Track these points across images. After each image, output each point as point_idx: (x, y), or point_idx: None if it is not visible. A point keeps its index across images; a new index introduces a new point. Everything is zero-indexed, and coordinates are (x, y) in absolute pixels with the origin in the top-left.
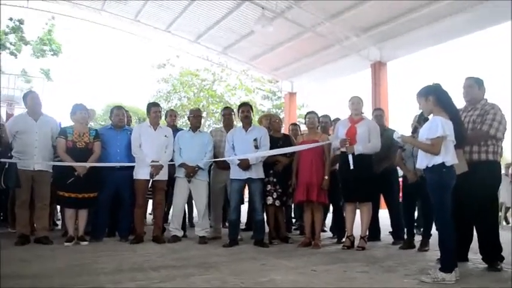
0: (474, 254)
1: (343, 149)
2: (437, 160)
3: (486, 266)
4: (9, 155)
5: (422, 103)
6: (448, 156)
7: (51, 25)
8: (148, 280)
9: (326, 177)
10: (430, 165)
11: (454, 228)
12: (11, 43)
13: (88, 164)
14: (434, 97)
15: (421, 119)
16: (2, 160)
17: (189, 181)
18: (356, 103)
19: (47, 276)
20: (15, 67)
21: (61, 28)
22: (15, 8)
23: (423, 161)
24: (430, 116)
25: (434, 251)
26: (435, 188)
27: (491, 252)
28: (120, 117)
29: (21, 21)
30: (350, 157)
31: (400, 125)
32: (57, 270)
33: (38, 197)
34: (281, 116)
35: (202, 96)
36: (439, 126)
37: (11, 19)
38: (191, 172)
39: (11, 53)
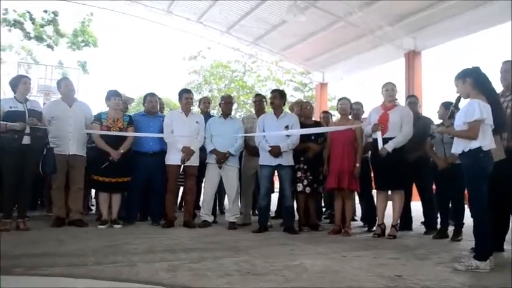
0: (510, 244)
1: (375, 136)
2: (474, 145)
3: None
4: (46, 141)
5: (460, 86)
6: (486, 141)
7: (88, 20)
8: (179, 261)
9: (358, 165)
10: (466, 150)
11: (490, 216)
12: (48, 36)
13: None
14: (472, 79)
15: (458, 103)
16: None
17: (220, 167)
18: (390, 89)
19: (81, 255)
20: (52, 58)
21: (97, 21)
22: (51, 1)
23: (459, 145)
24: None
25: (468, 241)
26: (471, 173)
27: None
28: (153, 104)
29: (55, 13)
30: (379, 138)
31: (435, 114)
32: (92, 249)
33: (73, 181)
34: None
35: (233, 88)
36: (476, 109)
37: (45, 11)
38: (222, 159)
39: (48, 46)
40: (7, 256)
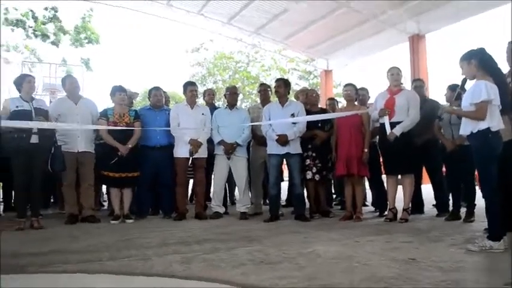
0: None
1: (382, 120)
2: (482, 125)
3: None
4: (53, 139)
5: (465, 67)
6: (494, 121)
7: (88, 16)
8: (193, 253)
9: (366, 150)
10: (474, 131)
11: (501, 196)
12: (45, 34)
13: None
14: (478, 60)
15: (464, 85)
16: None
17: (228, 158)
18: (396, 74)
19: (95, 251)
20: (56, 56)
21: (98, 16)
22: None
23: (467, 127)
24: (474, 81)
25: (480, 222)
26: (480, 154)
27: None
28: (159, 98)
29: (55, 9)
30: (386, 123)
31: (442, 97)
32: (105, 245)
33: (83, 178)
34: None
35: (238, 78)
36: (483, 90)
37: (46, 8)
38: (230, 149)
39: (52, 43)
40: (22, 254)
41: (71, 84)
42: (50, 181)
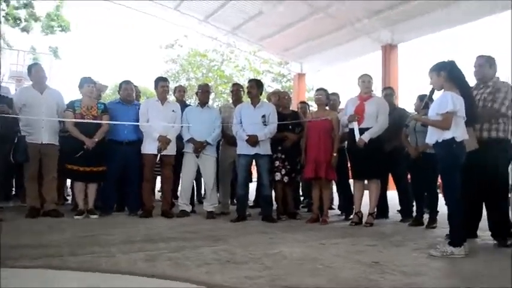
0: (483, 231)
1: (351, 126)
2: (447, 135)
3: (495, 242)
4: (16, 129)
5: (434, 78)
6: (458, 132)
7: (60, 2)
8: (158, 250)
9: (335, 154)
10: (440, 141)
11: (463, 204)
12: (23, 19)
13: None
14: (446, 73)
15: (431, 95)
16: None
17: (197, 156)
18: (367, 81)
19: (57, 246)
20: (24, 43)
21: (70, 5)
22: None
23: (433, 136)
24: (441, 92)
25: (442, 228)
26: (445, 163)
27: (501, 229)
28: (129, 92)
29: None
30: (356, 129)
31: (410, 106)
32: (68, 240)
33: (46, 170)
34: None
35: (211, 77)
36: (449, 101)
37: None
38: (199, 148)
39: (23, 29)
40: None
41: (37, 72)
42: (11, 172)
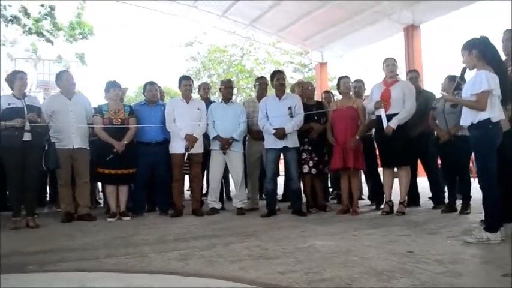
0: None
1: (378, 113)
2: (482, 116)
3: None
4: (46, 137)
5: (466, 57)
6: (495, 112)
7: (81, 8)
8: (190, 249)
9: (356, 137)
10: (475, 122)
11: (500, 187)
12: (47, 30)
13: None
14: (478, 51)
15: (463, 75)
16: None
17: (224, 153)
18: (391, 65)
19: (92, 248)
20: (51, 53)
21: (90, 10)
22: None
23: (468, 117)
24: (474, 71)
25: (476, 214)
26: (480, 145)
27: None
28: (154, 93)
29: (52, 8)
30: (383, 115)
31: (436, 88)
32: (102, 242)
33: (78, 175)
34: None
35: (232, 72)
36: (483, 80)
37: (42, 5)
38: (226, 144)
39: (47, 40)
40: (19, 253)
41: (67, 80)
42: (45, 179)
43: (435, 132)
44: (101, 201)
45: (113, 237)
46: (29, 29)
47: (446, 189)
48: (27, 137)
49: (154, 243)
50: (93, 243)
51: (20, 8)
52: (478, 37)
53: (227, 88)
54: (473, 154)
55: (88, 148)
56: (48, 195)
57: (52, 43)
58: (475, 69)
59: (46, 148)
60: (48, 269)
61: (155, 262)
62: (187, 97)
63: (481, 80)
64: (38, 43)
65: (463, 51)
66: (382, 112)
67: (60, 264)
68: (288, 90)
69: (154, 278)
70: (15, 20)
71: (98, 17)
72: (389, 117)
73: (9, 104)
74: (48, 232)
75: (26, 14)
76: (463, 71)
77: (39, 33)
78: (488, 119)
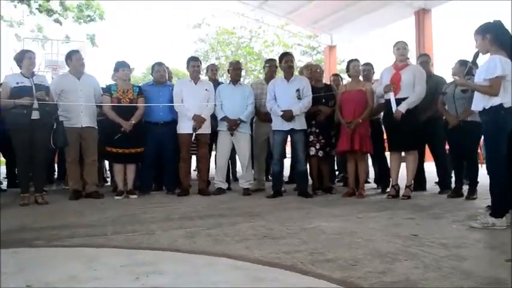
0: None
1: (387, 96)
2: (495, 101)
3: None
4: (55, 116)
5: (479, 41)
6: (507, 97)
7: None
8: (196, 227)
9: (359, 120)
10: (487, 107)
11: (507, 173)
12: (54, 11)
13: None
14: (492, 35)
15: (475, 60)
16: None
17: (231, 134)
18: (401, 48)
19: (100, 225)
20: (59, 33)
21: None
22: None
23: (479, 102)
24: (487, 56)
25: (482, 199)
26: (491, 130)
27: None
28: (162, 73)
29: None
30: (392, 99)
31: (447, 73)
32: (110, 220)
33: (87, 154)
34: None
35: (240, 54)
36: (498, 65)
37: None
38: (233, 126)
39: (56, 21)
40: (28, 229)
41: (77, 60)
42: (54, 157)
43: (443, 117)
44: (108, 179)
45: (120, 215)
46: (40, 6)
47: (453, 174)
48: (35, 115)
49: (161, 221)
50: (101, 220)
51: None
52: (492, 21)
53: (235, 70)
54: (482, 140)
55: (96, 127)
56: (56, 173)
57: (61, 23)
58: (488, 54)
59: (55, 126)
60: (57, 244)
61: (162, 239)
62: (195, 78)
63: (495, 65)
64: (45, 23)
65: (476, 35)
66: (391, 96)
67: (69, 240)
68: (296, 73)
69: (161, 255)
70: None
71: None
72: (399, 101)
73: (17, 83)
74: (56, 209)
75: None
76: (476, 55)
77: (49, 11)
78: (501, 104)
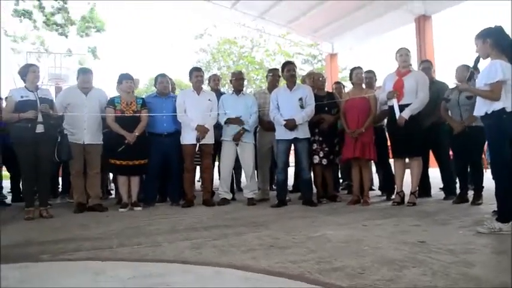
0: None
1: (391, 103)
2: (497, 106)
3: None
4: (60, 129)
5: (480, 45)
6: (509, 102)
7: (93, 4)
8: (202, 238)
9: (363, 129)
10: (489, 112)
11: None
12: (58, 24)
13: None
14: (493, 40)
15: (476, 65)
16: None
17: (237, 144)
18: (404, 55)
19: (105, 238)
20: (61, 46)
21: (102, 4)
22: None
23: (482, 107)
24: (487, 61)
25: (488, 204)
26: (494, 135)
27: None
28: (165, 85)
29: (65, 1)
30: (395, 106)
31: (448, 79)
32: (115, 232)
33: (90, 166)
34: None
35: (242, 64)
36: (498, 70)
37: None
38: (238, 124)
39: (60, 34)
40: (34, 243)
41: (82, 79)
42: (58, 170)
43: (447, 122)
44: (113, 191)
45: (126, 227)
46: (46, 21)
47: (457, 180)
48: (40, 128)
49: (167, 232)
50: (106, 233)
51: (35, 2)
52: (493, 26)
53: (238, 80)
54: (486, 145)
55: (100, 143)
56: (60, 186)
57: (66, 36)
58: (489, 59)
59: (59, 140)
60: (63, 258)
61: (168, 251)
62: (198, 88)
63: (495, 70)
64: (48, 37)
65: (477, 40)
66: (394, 102)
67: (74, 253)
68: (298, 81)
69: (167, 266)
70: (27, 14)
71: (109, 11)
72: (402, 108)
73: (22, 97)
74: (61, 222)
75: (41, 8)
76: (477, 60)
77: (55, 25)
78: (503, 108)
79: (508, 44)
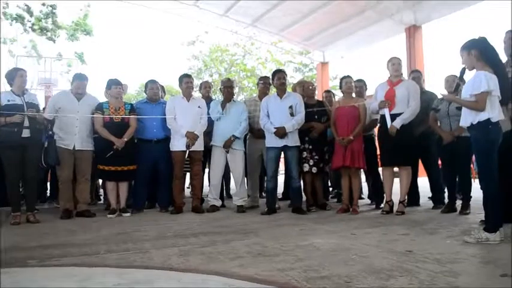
0: None
1: (382, 112)
2: (482, 116)
3: None
4: (49, 133)
5: (465, 57)
6: (494, 112)
7: (86, 11)
8: (190, 245)
9: (351, 137)
10: (475, 122)
11: (501, 188)
12: (47, 29)
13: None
14: (478, 51)
15: (462, 76)
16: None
17: (227, 152)
18: (396, 64)
19: (93, 244)
20: (51, 50)
21: (94, 10)
22: None
23: (467, 118)
24: (473, 72)
25: (476, 214)
26: (480, 145)
27: None
28: (155, 91)
29: (53, 7)
30: (387, 115)
31: (437, 88)
32: (103, 238)
33: (80, 172)
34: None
35: (234, 71)
36: (482, 80)
37: (43, 4)
38: (228, 143)
39: (49, 39)
40: (20, 248)
41: (76, 85)
42: (46, 175)
43: (436, 133)
44: (102, 197)
45: (114, 233)
46: (32, 25)
47: (446, 189)
48: (26, 133)
49: (155, 239)
50: (94, 239)
51: (23, 6)
52: (477, 37)
53: (226, 87)
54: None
55: (91, 149)
56: (48, 191)
57: (54, 41)
58: (474, 70)
59: (46, 145)
60: (49, 263)
61: (155, 258)
62: (188, 95)
63: (480, 81)
64: (38, 41)
65: (462, 51)
66: (386, 112)
67: (61, 259)
68: (289, 90)
69: (154, 273)
70: (19, 18)
71: (99, 16)
72: (394, 117)
73: (8, 101)
74: (48, 228)
75: (29, 12)
76: (462, 71)
77: (43, 30)
78: (488, 119)
79: (492, 55)
